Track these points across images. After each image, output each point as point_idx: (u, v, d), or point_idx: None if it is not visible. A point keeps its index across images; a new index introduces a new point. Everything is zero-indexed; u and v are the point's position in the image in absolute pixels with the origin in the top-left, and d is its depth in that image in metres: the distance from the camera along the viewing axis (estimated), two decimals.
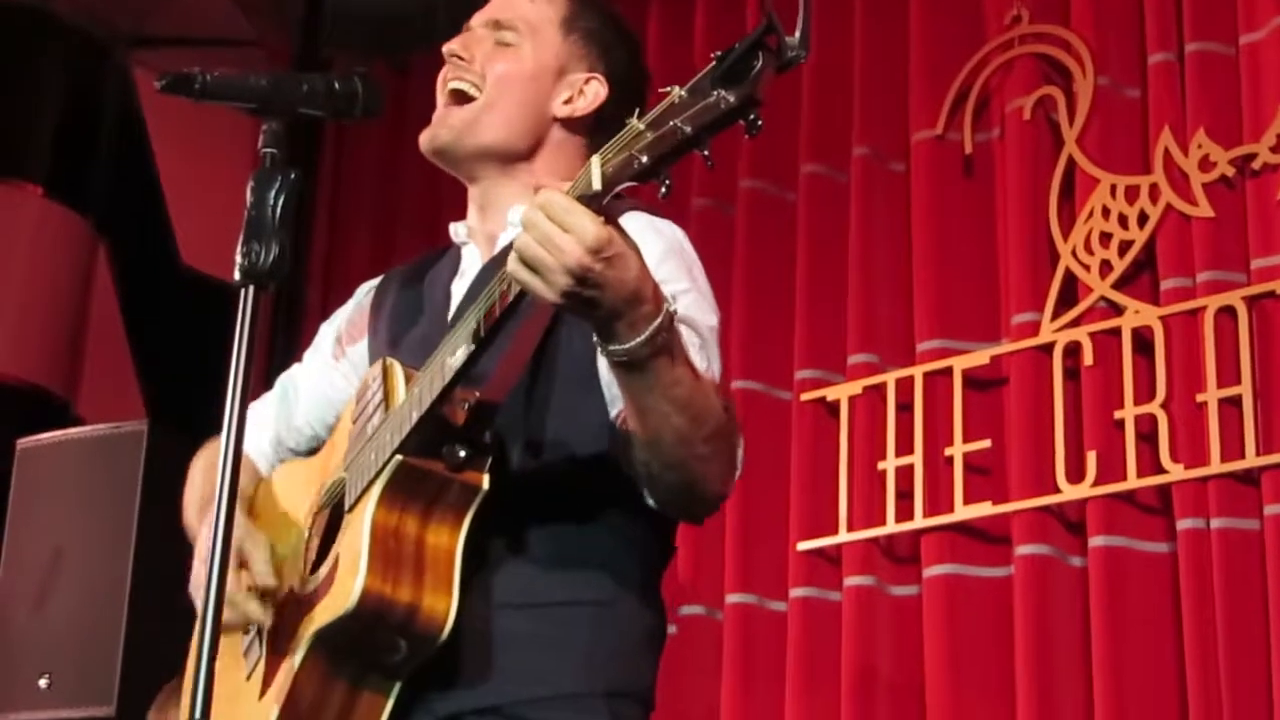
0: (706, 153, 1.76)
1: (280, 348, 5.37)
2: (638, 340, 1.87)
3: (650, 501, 2.07)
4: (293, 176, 1.90)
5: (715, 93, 1.73)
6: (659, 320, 1.87)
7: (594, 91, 2.32)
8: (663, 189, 1.76)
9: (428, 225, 5.17)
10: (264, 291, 1.87)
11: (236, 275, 1.86)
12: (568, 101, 2.31)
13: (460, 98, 2.31)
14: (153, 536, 3.86)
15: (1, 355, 5.02)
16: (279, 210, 1.88)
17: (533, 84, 2.30)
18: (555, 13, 2.35)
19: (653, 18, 4.89)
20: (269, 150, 1.93)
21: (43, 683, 3.83)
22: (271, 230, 1.87)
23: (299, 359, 2.54)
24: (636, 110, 1.79)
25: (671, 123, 1.74)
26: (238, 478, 1.80)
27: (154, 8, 5.58)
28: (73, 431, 4.24)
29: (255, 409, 2.45)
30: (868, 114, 4.40)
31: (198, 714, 1.70)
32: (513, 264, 1.83)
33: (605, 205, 1.80)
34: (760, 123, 1.74)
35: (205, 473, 2.37)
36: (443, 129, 2.32)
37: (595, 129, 2.28)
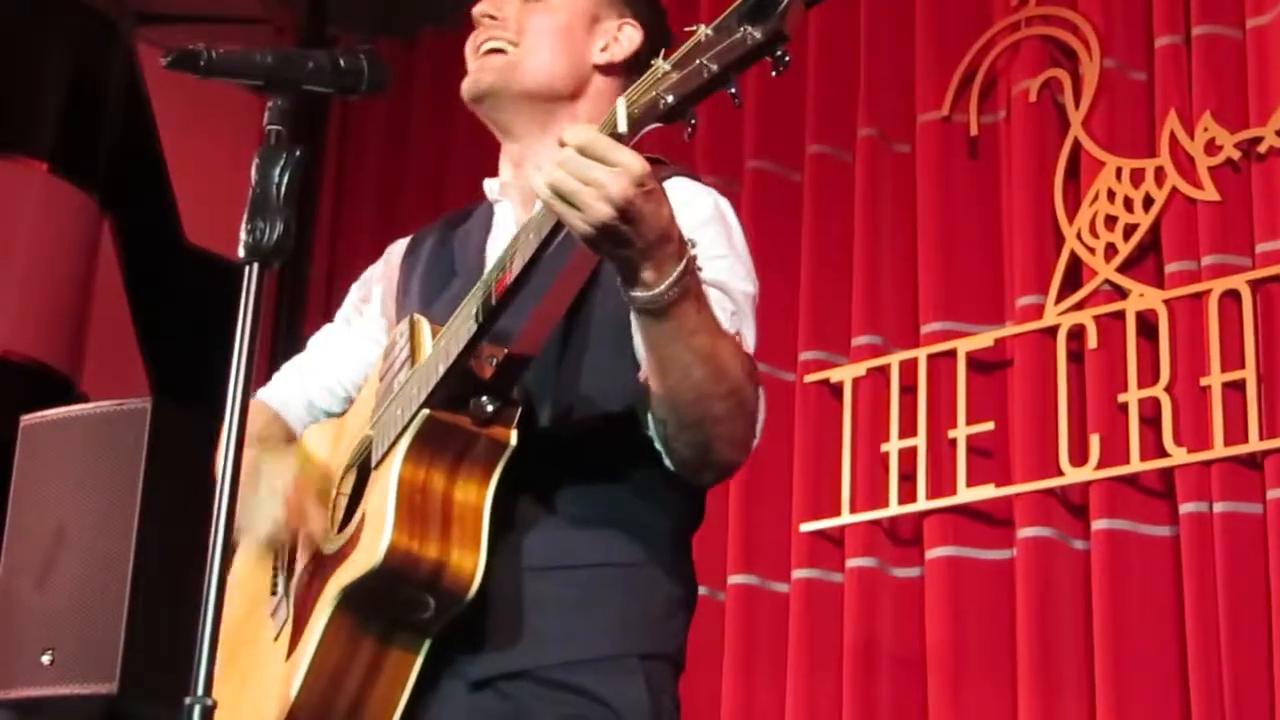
0: (734, 90, 1.74)
1: (284, 325, 5.37)
2: (665, 283, 1.86)
3: (667, 463, 2.06)
4: (298, 153, 1.90)
5: (742, 29, 1.70)
6: (683, 263, 1.87)
7: (629, 37, 2.32)
8: (688, 129, 1.75)
9: (433, 201, 5.17)
10: (268, 269, 1.87)
11: (241, 252, 1.86)
12: (604, 49, 2.31)
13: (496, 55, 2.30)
14: (156, 514, 3.86)
15: (5, 332, 5.01)
16: (284, 187, 1.88)
17: (568, 34, 2.30)
18: None
19: None
20: (274, 127, 1.93)
21: (45, 659, 3.83)
22: (276, 207, 1.87)
23: (303, 336, 2.53)
24: (663, 51, 1.78)
25: (698, 61, 1.73)
26: (241, 457, 1.79)
27: None
28: (76, 408, 4.24)
29: (286, 370, 2.46)
30: (873, 95, 4.39)
31: (200, 691, 1.69)
32: (550, 198, 1.81)
33: (634, 148, 1.79)
34: (788, 59, 1.71)
35: (258, 411, 2.32)
36: (485, 73, 2.29)
37: (634, 75, 2.28)
